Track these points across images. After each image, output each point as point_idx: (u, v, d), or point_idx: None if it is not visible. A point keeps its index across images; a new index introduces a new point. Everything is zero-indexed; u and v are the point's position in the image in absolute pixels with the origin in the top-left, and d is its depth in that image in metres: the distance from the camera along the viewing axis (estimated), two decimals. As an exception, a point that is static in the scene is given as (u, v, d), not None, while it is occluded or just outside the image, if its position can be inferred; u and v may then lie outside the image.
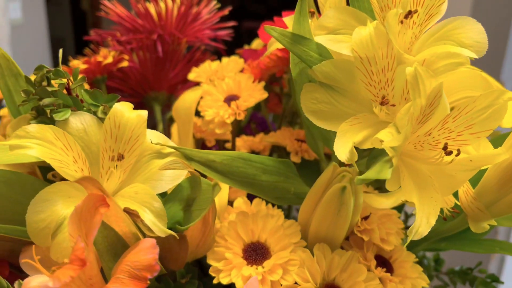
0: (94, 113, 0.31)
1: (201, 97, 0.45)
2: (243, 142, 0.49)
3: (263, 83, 0.45)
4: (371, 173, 0.25)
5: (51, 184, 0.32)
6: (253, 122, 0.58)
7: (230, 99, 0.45)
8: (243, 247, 0.35)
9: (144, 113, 0.31)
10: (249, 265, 0.34)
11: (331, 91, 0.31)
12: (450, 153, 0.29)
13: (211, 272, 0.34)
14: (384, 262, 0.37)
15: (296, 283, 0.33)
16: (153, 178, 0.31)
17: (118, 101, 0.32)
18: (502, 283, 0.46)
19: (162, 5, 0.61)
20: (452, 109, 0.29)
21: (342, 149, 0.29)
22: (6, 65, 0.35)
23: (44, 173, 0.34)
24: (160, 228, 0.28)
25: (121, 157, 0.30)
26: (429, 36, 0.31)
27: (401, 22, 0.30)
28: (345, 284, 0.34)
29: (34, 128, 0.28)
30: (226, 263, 0.34)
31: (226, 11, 0.66)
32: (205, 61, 0.62)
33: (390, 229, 0.36)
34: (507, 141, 0.30)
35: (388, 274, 0.35)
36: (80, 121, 0.30)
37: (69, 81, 0.32)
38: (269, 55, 0.51)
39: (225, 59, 0.52)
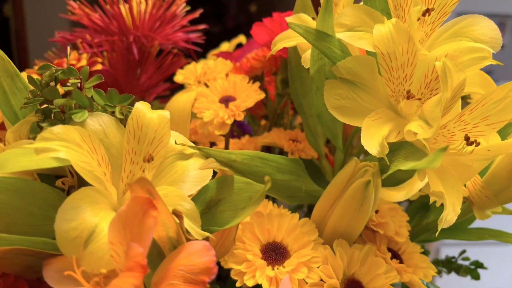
0: (112, 114, 0.29)
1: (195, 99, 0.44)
2: (232, 144, 0.48)
3: (258, 84, 0.45)
4: (423, 163, 0.26)
5: (59, 191, 0.30)
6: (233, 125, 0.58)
7: (225, 100, 0.44)
8: (260, 248, 0.35)
9: (166, 113, 0.30)
10: (270, 266, 0.34)
11: (354, 87, 0.31)
12: (472, 143, 0.30)
13: (233, 275, 0.33)
14: (394, 254, 0.37)
15: (321, 280, 0.33)
16: (180, 180, 0.29)
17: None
18: (486, 268, 0.48)
19: (134, 6, 0.59)
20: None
21: (372, 143, 0.30)
22: (1, 65, 0.32)
23: (44, 181, 0.31)
24: (196, 231, 0.27)
25: (150, 158, 0.28)
26: (439, 34, 0.33)
27: (418, 19, 0.31)
28: (365, 277, 0.34)
29: (60, 129, 0.26)
30: (248, 265, 0.33)
31: (197, 14, 0.65)
32: (178, 65, 0.60)
33: (401, 222, 0.37)
34: (522, 130, 0.32)
35: (403, 265, 0.36)
36: (98, 122, 0.29)
37: (81, 81, 0.30)
38: (254, 56, 0.51)
39: (211, 61, 0.51)
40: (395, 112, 0.33)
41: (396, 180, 0.39)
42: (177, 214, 0.25)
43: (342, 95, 0.31)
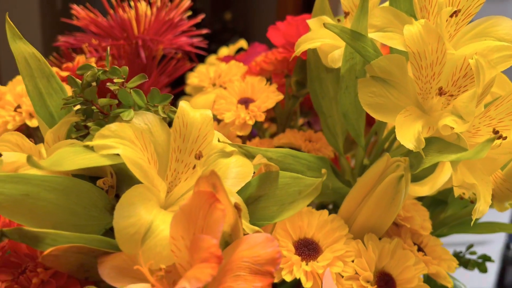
0: (156, 113, 0.30)
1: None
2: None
3: (275, 85, 0.46)
4: (469, 154, 0.27)
5: (102, 191, 0.30)
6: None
7: (244, 101, 0.45)
8: (293, 244, 0.35)
9: (208, 112, 0.30)
10: (304, 261, 0.34)
11: (386, 85, 0.33)
12: (500, 137, 0.32)
13: (270, 271, 0.33)
14: (418, 248, 0.39)
15: (355, 273, 0.34)
16: (224, 176, 0.30)
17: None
18: (493, 261, 0.50)
19: (140, 11, 0.59)
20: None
21: (408, 138, 0.31)
22: (37, 66, 0.32)
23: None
24: (246, 225, 0.27)
25: (200, 155, 0.28)
26: (463, 34, 0.34)
27: (446, 20, 0.33)
28: (395, 270, 0.35)
29: (117, 126, 0.26)
30: (285, 261, 0.34)
31: (199, 19, 0.65)
32: (183, 69, 0.61)
33: (425, 216, 0.38)
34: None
35: (429, 257, 0.37)
36: (143, 121, 0.29)
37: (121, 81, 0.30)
38: (264, 59, 0.52)
39: (223, 64, 0.52)
40: (421, 109, 0.34)
41: (417, 177, 0.41)
42: (237, 207, 0.25)
43: (375, 92, 0.32)
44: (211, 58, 0.69)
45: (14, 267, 0.27)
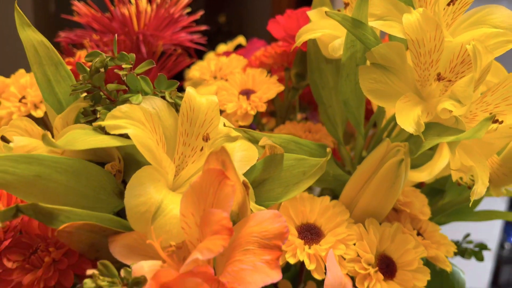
0: (163, 98, 0.30)
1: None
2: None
3: (276, 77, 0.46)
4: (468, 134, 0.28)
5: (110, 175, 0.31)
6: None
7: (245, 92, 0.45)
8: (296, 229, 0.36)
9: (214, 98, 0.31)
10: (307, 245, 0.35)
11: (386, 71, 0.34)
12: (496, 121, 0.33)
13: (274, 254, 0.34)
14: (417, 232, 0.40)
15: (357, 255, 0.35)
16: (230, 160, 0.30)
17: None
18: (489, 249, 0.51)
19: (141, 7, 0.59)
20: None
21: (408, 122, 0.32)
22: (46, 53, 0.32)
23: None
24: (253, 205, 0.28)
25: (208, 137, 0.29)
26: (460, 23, 0.35)
27: (443, 9, 0.34)
28: (395, 253, 0.36)
29: (127, 108, 0.26)
30: (288, 244, 0.34)
31: (198, 15, 0.66)
32: (182, 65, 0.62)
33: (424, 201, 0.39)
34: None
35: (428, 241, 0.38)
36: (151, 105, 0.30)
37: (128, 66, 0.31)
38: (264, 53, 0.53)
39: (223, 58, 0.53)
40: (420, 96, 0.35)
41: (415, 165, 0.42)
42: (246, 185, 0.26)
43: (376, 79, 0.33)
44: (210, 55, 0.70)
45: (25, 248, 0.27)
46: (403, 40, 0.34)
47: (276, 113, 0.57)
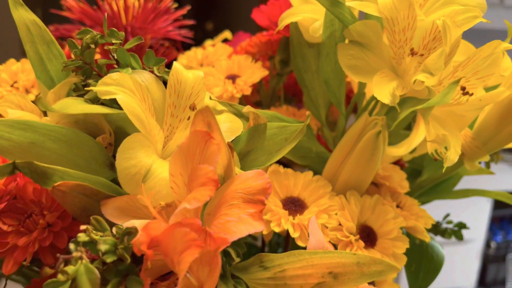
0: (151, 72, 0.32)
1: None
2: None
3: (260, 62, 0.48)
4: (437, 99, 0.30)
5: (102, 146, 0.32)
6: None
7: (231, 77, 0.47)
8: (280, 201, 0.38)
9: (200, 73, 0.33)
10: (291, 216, 0.37)
11: (363, 48, 0.36)
12: (466, 94, 0.35)
13: (260, 224, 0.36)
14: (397, 205, 0.41)
15: (339, 224, 0.36)
16: (216, 130, 0.32)
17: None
18: (468, 228, 0.53)
19: (128, 1, 0.61)
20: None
21: (384, 94, 0.34)
22: (38, 32, 0.34)
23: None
24: (238, 171, 0.30)
25: (194, 107, 0.31)
26: (433, 3, 0.37)
27: (415, -11, 0.36)
28: (376, 223, 0.38)
29: (118, 75, 0.28)
30: (273, 214, 0.36)
31: (185, 10, 0.68)
32: (170, 58, 0.63)
33: (402, 176, 0.41)
34: (507, 80, 0.37)
35: (407, 212, 0.40)
36: (140, 78, 0.31)
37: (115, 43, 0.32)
38: (249, 43, 0.54)
39: (210, 48, 0.54)
40: (395, 73, 0.37)
41: (394, 144, 0.44)
42: (230, 146, 0.27)
43: (353, 55, 0.35)
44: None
45: (20, 213, 0.29)
46: (379, 19, 0.36)
47: (261, 102, 0.59)
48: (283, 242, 0.43)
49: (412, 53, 0.35)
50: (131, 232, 0.23)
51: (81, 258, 0.21)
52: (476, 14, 0.34)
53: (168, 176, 0.27)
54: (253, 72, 0.46)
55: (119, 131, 0.34)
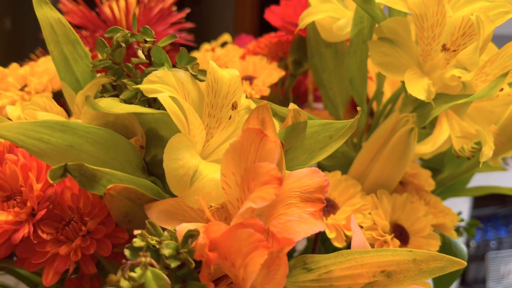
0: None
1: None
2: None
3: (275, 63, 0.48)
4: (482, 92, 0.30)
5: (136, 148, 0.31)
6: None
7: (247, 78, 0.46)
8: (311, 203, 0.37)
9: (235, 71, 0.32)
10: (324, 217, 0.36)
11: (393, 45, 0.35)
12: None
13: (294, 225, 0.35)
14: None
15: (374, 223, 0.36)
16: (254, 130, 0.31)
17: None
18: (481, 226, 0.54)
19: (129, 4, 0.59)
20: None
21: (419, 90, 0.33)
22: (62, 32, 0.32)
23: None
24: (282, 170, 0.29)
25: (236, 106, 0.30)
26: (457, 0, 0.38)
27: (442, -14, 0.36)
28: (407, 222, 0.38)
29: (162, 73, 0.27)
30: (307, 215, 0.35)
31: (184, 13, 0.67)
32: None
33: (428, 173, 0.41)
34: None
35: (435, 210, 0.40)
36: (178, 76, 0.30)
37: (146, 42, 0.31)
38: (258, 45, 0.54)
39: (219, 49, 0.53)
40: (422, 71, 0.37)
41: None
42: (282, 143, 0.27)
43: (385, 52, 0.35)
44: (195, 54, 0.70)
45: (57, 220, 0.27)
46: (404, 16, 0.36)
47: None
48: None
49: (444, 48, 0.35)
50: (193, 235, 0.22)
51: (150, 264, 0.20)
52: (508, 9, 0.34)
53: (217, 177, 0.26)
54: (270, 73, 0.46)
55: (151, 133, 0.32)
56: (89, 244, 0.26)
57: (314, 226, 0.23)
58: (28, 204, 0.26)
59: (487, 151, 0.34)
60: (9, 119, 0.30)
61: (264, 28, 0.59)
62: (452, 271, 0.45)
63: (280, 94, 0.55)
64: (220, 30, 0.76)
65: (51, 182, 0.22)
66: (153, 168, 0.33)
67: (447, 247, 0.44)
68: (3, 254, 0.25)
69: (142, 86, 0.26)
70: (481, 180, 0.53)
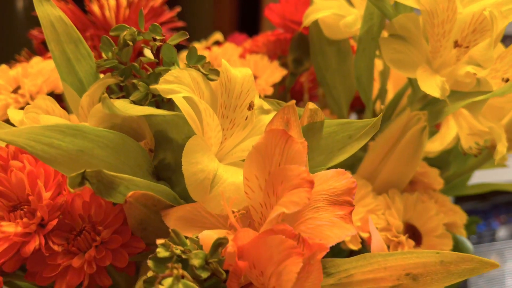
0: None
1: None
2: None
3: (277, 62, 0.47)
4: (504, 89, 0.30)
5: (146, 152, 0.29)
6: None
7: (248, 78, 0.45)
8: (322, 204, 0.36)
9: (247, 70, 0.31)
10: (336, 218, 0.35)
11: (404, 41, 0.35)
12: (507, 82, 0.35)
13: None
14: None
15: (388, 224, 0.35)
16: (269, 131, 0.30)
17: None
18: (480, 221, 0.54)
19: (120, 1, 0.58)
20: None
21: (433, 87, 0.33)
22: (64, 30, 0.30)
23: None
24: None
25: (252, 106, 0.29)
26: (465, -5, 0.37)
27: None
28: (419, 221, 0.37)
29: (179, 73, 0.25)
30: (320, 218, 0.34)
31: (175, 11, 0.65)
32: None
33: (436, 171, 0.41)
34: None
35: (445, 208, 0.39)
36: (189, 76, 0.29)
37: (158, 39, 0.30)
38: (255, 43, 0.53)
39: (215, 48, 0.52)
40: (431, 67, 0.37)
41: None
42: (305, 146, 0.25)
43: (396, 49, 0.34)
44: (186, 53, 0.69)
45: (67, 230, 0.25)
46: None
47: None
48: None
49: (456, 45, 0.34)
50: (222, 243, 0.21)
51: (182, 276, 0.19)
52: (520, 5, 0.34)
53: (237, 181, 0.25)
54: (273, 72, 0.45)
55: (159, 135, 0.31)
56: (104, 255, 0.24)
57: (346, 231, 0.23)
58: (38, 214, 0.24)
59: (501, 148, 0.33)
60: (10, 123, 0.29)
61: (244, 26, 0.58)
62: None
63: (277, 93, 0.54)
64: (199, 28, 0.74)
65: (70, 190, 0.20)
66: (160, 172, 0.32)
67: (454, 245, 0.44)
68: (12, 268, 0.24)
69: (159, 87, 0.24)
70: (477, 177, 0.54)
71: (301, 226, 0.23)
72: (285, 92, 0.52)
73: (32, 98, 0.40)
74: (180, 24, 0.64)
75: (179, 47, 0.68)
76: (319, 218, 0.23)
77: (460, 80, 0.34)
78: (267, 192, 0.24)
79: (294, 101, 0.24)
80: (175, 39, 0.30)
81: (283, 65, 0.52)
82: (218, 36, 0.71)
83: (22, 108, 0.40)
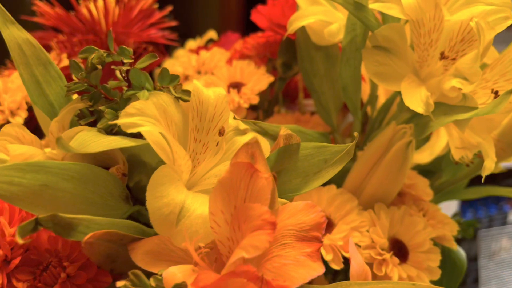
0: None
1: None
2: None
3: (264, 68, 0.45)
4: (487, 109, 0.28)
5: (117, 178, 0.29)
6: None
7: (235, 86, 0.44)
8: (306, 221, 0.35)
9: (221, 90, 0.30)
10: (319, 235, 0.34)
11: (388, 53, 0.33)
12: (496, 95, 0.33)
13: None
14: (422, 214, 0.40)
15: (372, 241, 0.34)
16: (243, 153, 0.29)
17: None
18: (478, 225, 0.53)
19: (108, 4, 0.56)
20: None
21: (416, 102, 0.32)
22: (32, 52, 0.30)
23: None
24: (275, 199, 0.27)
25: (223, 132, 0.28)
26: (454, 2, 0.36)
27: (439, -12, 0.34)
28: (406, 236, 0.36)
29: (142, 104, 0.24)
30: (302, 236, 0.33)
31: (166, 11, 0.64)
32: (156, 63, 0.59)
33: (425, 182, 0.40)
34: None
35: (433, 221, 0.38)
36: (159, 101, 0.28)
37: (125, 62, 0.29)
38: (245, 45, 0.51)
39: (204, 52, 0.51)
40: (418, 78, 0.35)
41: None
42: (275, 176, 0.25)
43: (379, 61, 0.33)
44: (180, 52, 0.67)
45: (34, 265, 0.25)
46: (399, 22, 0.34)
47: (257, 106, 0.56)
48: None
49: (443, 56, 0.33)
50: (181, 287, 0.20)
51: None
52: (508, 14, 0.32)
53: (205, 212, 0.25)
54: (259, 79, 0.43)
55: (133, 159, 0.30)
56: (69, 291, 0.24)
57: (311, 271, 0.22)
58: (0, 252, 0.24)
59: (489, 164, 0.32)
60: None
61: (251, 23, 0.57)
62: (451, 279, 0.44)
63: (270, 95, 0.53)
64: (206, 26, 0.73)
65: (19, 241, 0.20)
66: (137, 194, 0.31)
67: (446, 255, 0.43)
68: (-25, 310, 0.24)
69: (119, 121, 0.24)
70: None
71: (267, 264, 0.23)
72: (275, 94, 0.51)
73: (12, 114, 0.39)
74: (172, 23, 0.63)
75: (176, 46, 0.66)
76: (285, 257, 0.22)
77: (445, 94, 0.32)
78: (233, 227, 0.23)
79: (256, 137, 0.23)
80: (144, 61, 0.29)
81: (273, 68, 0.50)
82: (211, 34, 0.69)
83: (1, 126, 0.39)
